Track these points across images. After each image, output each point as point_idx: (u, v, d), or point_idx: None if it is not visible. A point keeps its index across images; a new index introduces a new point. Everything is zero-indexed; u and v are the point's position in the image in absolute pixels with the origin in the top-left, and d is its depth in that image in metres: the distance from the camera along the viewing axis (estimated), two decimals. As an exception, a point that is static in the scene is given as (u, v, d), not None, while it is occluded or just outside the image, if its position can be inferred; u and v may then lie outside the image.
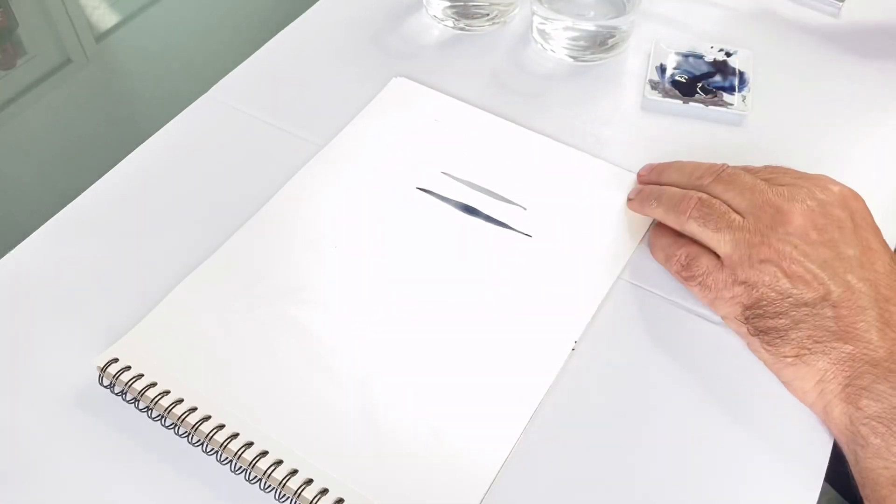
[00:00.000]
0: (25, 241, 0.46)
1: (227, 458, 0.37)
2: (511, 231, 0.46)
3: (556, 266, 0.45)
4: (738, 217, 0.40)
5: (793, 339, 0.37)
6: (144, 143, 0.52)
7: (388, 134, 0.52)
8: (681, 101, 0.54)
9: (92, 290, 0.44)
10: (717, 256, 0.40)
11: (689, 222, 0.41)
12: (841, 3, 0.59)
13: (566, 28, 0.56)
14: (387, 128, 0.52)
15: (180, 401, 0.38)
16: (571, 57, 0.57)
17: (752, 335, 0.39)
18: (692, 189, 0.43)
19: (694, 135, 0.52)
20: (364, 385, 0.40)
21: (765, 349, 0.39)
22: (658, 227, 0.45)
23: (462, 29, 0.60)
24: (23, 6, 1.81)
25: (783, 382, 0.39)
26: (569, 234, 0.46)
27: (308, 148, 0.51)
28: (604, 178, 0.49)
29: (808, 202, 0.39)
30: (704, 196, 0.41)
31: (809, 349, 0.37)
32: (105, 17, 1.82)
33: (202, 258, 0.45)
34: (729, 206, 0.41)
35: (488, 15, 0.60)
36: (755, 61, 0.56)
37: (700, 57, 0.57)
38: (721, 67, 0.56)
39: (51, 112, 1.60)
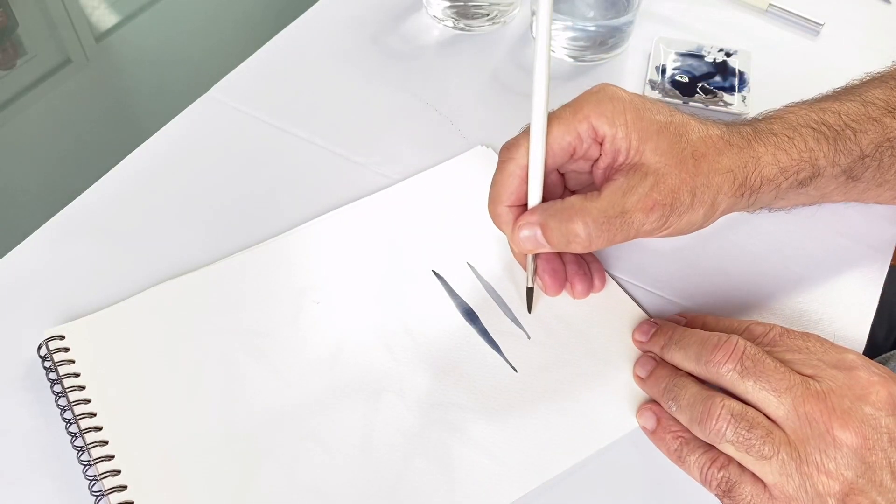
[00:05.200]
0: (25, 241, 0.46)
1: (93, 475, 0.36)
2: (499, 358, 0.41)
3: (536, 412, 0.39)
4: (779, 433, 0.35)
5: None
6: (144, 143, 0.52)
7: (440, 201, 0.48)
8: (681, 102, 0.53)
9: (92, 290, 0.44)
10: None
11: (725, 446, 0.35)
12: (820, 26, 0.59)
13: (566, 28, 0.56)
14: (442, 194, 0.49)
15: (87, 401, 0.38)
16: (571, 57, 0.57)
17: None
18: (706, 377, 0.37)
19: (694, 135, 0.52)
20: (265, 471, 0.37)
21: None
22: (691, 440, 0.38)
23: (462, 29, 0.60)
24: (23, 6, 1.81)
25: None
26: (560, 384, 0.40)
27: (308, 148, 0.51)
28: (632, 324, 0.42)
29: (856, 414, 0.34)
30: (736, 409, 0.35)
31: None
32: (105, 17, 1.82)
33: (202, 258, 0.45)
34: (763, 412, 0.35)
35: (488, 15, 0.60)
36: (755, 61, 0.56)
37: (700, 57, 0.57)
38: (721, 67, 0.56)
39: (51, 112, 1.60)
